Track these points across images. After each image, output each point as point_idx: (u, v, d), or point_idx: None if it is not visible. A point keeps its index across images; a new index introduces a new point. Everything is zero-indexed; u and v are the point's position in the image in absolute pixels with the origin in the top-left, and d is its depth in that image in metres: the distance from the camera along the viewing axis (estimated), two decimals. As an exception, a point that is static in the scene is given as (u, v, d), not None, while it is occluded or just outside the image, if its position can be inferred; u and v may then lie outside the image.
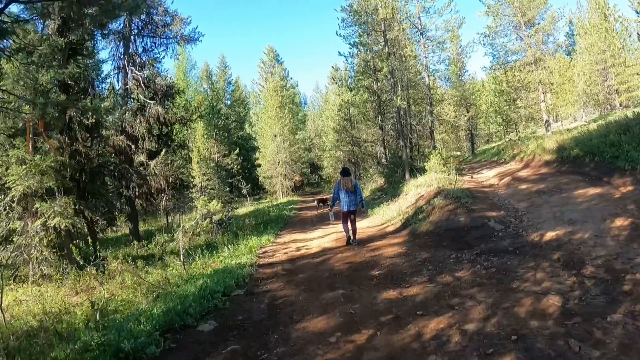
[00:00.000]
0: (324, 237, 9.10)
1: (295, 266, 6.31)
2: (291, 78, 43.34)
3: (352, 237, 7.47)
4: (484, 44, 23.44)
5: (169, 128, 17.95)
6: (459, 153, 33.57)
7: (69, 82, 11.08)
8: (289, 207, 20.54)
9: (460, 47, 26.65)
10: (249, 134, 40.24)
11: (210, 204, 7.21)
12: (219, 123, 22.66)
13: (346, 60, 19.36)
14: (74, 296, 7.96)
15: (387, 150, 19.19)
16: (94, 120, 9.87)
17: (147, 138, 16.76)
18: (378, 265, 5.61)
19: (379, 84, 19.32)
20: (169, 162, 15.42)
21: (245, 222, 14.02)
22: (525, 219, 7.75)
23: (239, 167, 26.71)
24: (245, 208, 26.24)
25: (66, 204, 10.04)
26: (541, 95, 23.30)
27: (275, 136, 30.55)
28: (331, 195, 8.58)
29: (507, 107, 24.43)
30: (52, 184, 9.62)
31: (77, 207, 10.59)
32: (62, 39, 11.07)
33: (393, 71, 14.48)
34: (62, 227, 9.64)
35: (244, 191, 29.81)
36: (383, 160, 18.98)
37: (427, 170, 14.87)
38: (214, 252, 8.67)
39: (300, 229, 11.25)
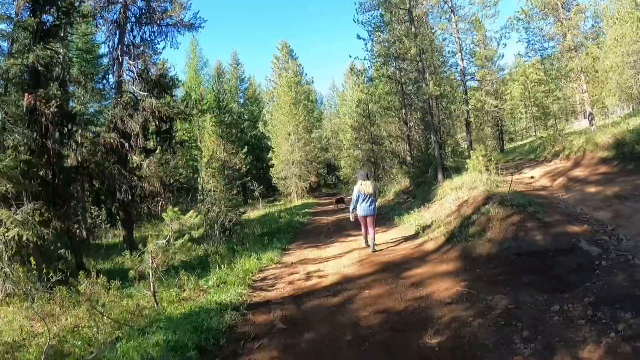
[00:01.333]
0: (342, 257, 7.02)
1: (301, 312, 4.27)
2: (306, 74, 41.45)
3: (373, 244, 7.20)
4: (517, 29, 20.88)
5: (168, 124, 16.24)
6: (483, 152, 30.79)
7: (39, 69, 9.38)
8: (303, 211, 18.53)
9: (496, 30, 24.08)
10: (263, 133, 38.52)
11: (186, 216, 5.17)
12: (226, 118, 20.78)
13: (365, 45, 17.22)
14: (39, 322, 6.23)
15: (412, 148, 16.94)
16: (55, 109, 8.06)
17: (141, 135, 15.04)
18: (431, 322, 3.50)
19: (402, 74, 17.11)
20: (164, 161, 13.62)
21: (250, 230, 12.09)
22: (622, 235, 5.54)
23: (247, 167, 24.88)
24: (257, 211, 24.45)
25: (33, 211, 8.29)
26: (583, 85, 20.58)
27: (289, 134, 28.62)
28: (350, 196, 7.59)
29: (545, 98, 21.73)
30: (10, 188, 7.89)
31: (47, 214, 8.85)
32: (33, 18, 9.40)
33: (421, 53, 12.26)
34: (24, 238, 7.92)
35: (256, 193, 28.04)
36: (408, 158, 16.75)
37: (461, 170, 12.61)
38: (205, 271, 6.77)
39: (314, 242, 9.19)
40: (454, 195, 9.71)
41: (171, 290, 5.91)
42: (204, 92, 39.58)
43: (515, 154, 23.86)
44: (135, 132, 15.17)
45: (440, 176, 12.30)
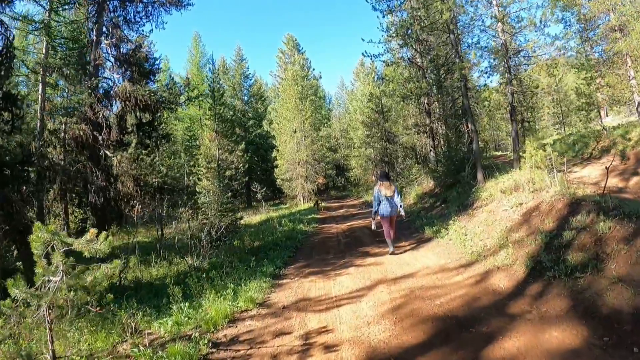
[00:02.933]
0: (362, 297, 4.49)
1: None
2: (313, 69, 39.01)
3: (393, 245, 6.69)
4: (554, 10, 18.10)
5: (151, 115, 13.91)
6: (498, 153, 28.04)
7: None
8: (309, 216, 16.02)
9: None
10: (268, 132, 36.17)
11: (78, 241, 2.62)
12: (222, 111, 18.37)
13: (381, 25, 14.72)
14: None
15: (436, 143, 14.36)
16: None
17: (115, 127, 12.72)
18: None
19: (423, 57, 14.55)
20: (137, 157, 11.30)
21: (241, 242, 9.62)
22: None
23: (246, 166, 22.48)
24: (259, 216, 22.07)
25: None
26: (630, 72, 17.73)
27: (295, 131, 26.17)
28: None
29: (586, 86, 18.89)
30: None
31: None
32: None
33: (454, 20, 9.72)
34: None
35: (259, 195, 25.60)
36: (431, 155, 14.15)
37: (498, 169, 10.02)
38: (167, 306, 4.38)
39: (319, 264, 6.65)
40: (509, 200, 7.12)
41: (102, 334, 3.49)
42: (191, 75, 37.52)
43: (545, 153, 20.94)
44: (107, 123, 12.87)
45: (480, 175, 9.70)
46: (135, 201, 12.42)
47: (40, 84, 13.89)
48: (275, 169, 28.80)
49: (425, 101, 14.56)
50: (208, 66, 29.05)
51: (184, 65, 40.66)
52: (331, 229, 11.56)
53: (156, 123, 14.65)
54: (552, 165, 7.06)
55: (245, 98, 40.35)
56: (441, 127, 14.23)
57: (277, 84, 37.21)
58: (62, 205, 15.43)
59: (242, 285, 5.30)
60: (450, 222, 8.17)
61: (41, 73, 13.60)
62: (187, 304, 4.77)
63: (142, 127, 14.28)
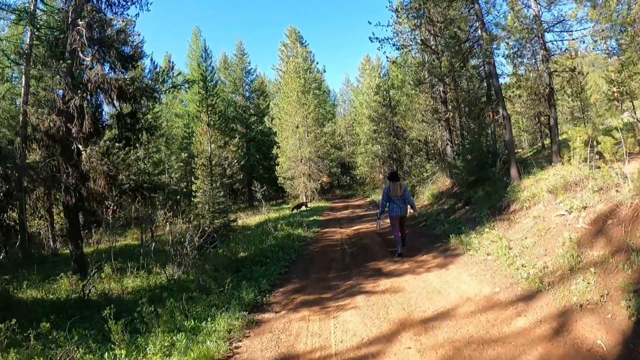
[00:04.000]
0: (380, 357, 2.86)
1: None
2: (317, 63, 37.40)
3: (401, 246, 6.41)
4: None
5: (132, 105, 12.41)
6: (521, 149, 26.14)
7: None
8: (311, 218, 14.44)
9: None
10: (270, 128, 34.67)
11: None
12: (213, 101, 16.79)
13: (390, 2, 13.15)
14: None
15: (454, 135, 12.70)
16: None
17: (88, 117, 11.16)
18: None
19: (438, 39, 12.89)
20: (106, 150, 9.81)
21: (227, 250, 8.06)
22: None
23: (240, 162, 20.97)
24: (258, 217, 20.58)
25: None
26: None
27: (297, 127, 24.57)
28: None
29: (618, 73, 17.01)
30: None
31: None
32: None
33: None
34: None
35: (259, 195, 24.09)
36: (448, 150, 12.47)
37: (529, 164, 8.39)
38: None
39: (316, 291, 5.03)
40: (563, 203, 5.48)
41: None
42: (191, 70, 36.28)
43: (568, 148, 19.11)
44: (80, 113, 11.34)
45: (514, 171, 8.04)
46: (109, 202, 10.93)
47: (23, 76, 12.50)
48: (277, 167, 27.25)
49: (441, 89, 12.88)
50: (208, 60, 27.57)
51: (184, 61, 39.22)
52: (334, 235, 9.96)
53: (140, 114, 13.18)
54: (614, 157, 5.40)
55: (247, 94, 38.91)
56: (459, 117, 12.57)
57: (280, 78, 35.65)
58: (46, 204, 14.07)
59: (207, 321, 3.75)
60: (483, 229, 6.55)
61: (24, 65, 12.35)
62: (123, 351, 3.27)
63: (122, 118, 12.82)
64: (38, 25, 12.98)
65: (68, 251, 12.74)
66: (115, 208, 11.27)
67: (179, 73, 12.31)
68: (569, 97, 14.19)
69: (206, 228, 11.75)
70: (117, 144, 10.52)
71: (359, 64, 42.45)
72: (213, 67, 14.47)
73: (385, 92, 23.14)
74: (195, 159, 20.46)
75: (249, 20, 77.94)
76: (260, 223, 16.74)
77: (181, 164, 26.13)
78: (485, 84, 10.59)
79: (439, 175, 12.96)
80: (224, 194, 14.48)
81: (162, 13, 64.92)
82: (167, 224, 9.49)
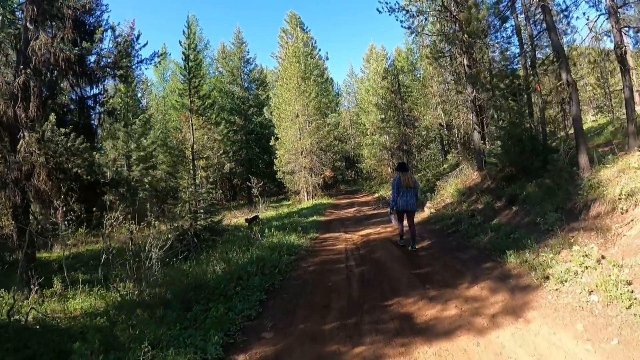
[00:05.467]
0: None
1: None
2: (319, 49, 34.97)
3: (410, 242, 6.17)
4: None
5: (92, 84, 10.31)
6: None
7: None
8: (310, 219, 12.28)
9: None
10: (270, 120, 32.49)
11: None
12: (197, 83, 14.54)
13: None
14: None
15: (482, 119, 10.44)
16: None
17: (34, 99, 9.11)
18: None
19: (458, 8, 10.59)
20: (45, 138, 7.74)
21: (193, 268, 5.90)
22: None
23: (229, 153, 18.77)
24: (252, 216, 18.43)
25: None
26: None
27: (297, 116, 22.33)
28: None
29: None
30: None
31: None
32: None
33: None
34: None
35: (255, 191, 21.93)
36: (476, 136, 10.18)
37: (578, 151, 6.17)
38: None
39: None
40: None
41: None
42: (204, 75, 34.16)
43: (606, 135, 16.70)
44: (23, 94, 9.23)
45: (584, 160, 5.80)
46: (57, 200, 8.80)
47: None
48: (276, 160, 25.02)
49: (465, 62, 10.59)
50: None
51: (178, 52, 37.08)
52: (337, 243, 7.77)
53: (106, 97, 11.10)
54: None
55: (246, 84, 36.74)
56: (488, 93, 10.29)
57: (279, 67, 33.37)
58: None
59: None
60: (558, 243, 4.34)
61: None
62: None
63: (83, 100, 10.72)
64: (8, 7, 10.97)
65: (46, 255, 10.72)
66: (65, 208, 9.17)
67: (147, 43, 10.13)
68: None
69: (188, 231, 9.70)
70: (62, 129, 8.36)
71: (364, 54, 40.07)
72: (196, 45, 12.64)
73: (393, 77, 20.80)
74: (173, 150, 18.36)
75: (249, 13, 75.30)
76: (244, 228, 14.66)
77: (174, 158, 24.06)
78: (529, 48, 8.30)
79: (464, 167, 10.71)
80: (208, 189, 12.27)
81: (159, 4, 62.55)
82: (125, 228, 7.36)
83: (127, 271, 5.83)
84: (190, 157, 13.14)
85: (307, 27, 35.57)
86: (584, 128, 7.93)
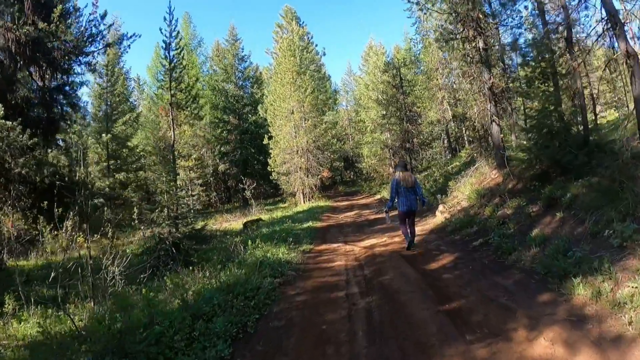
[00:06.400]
0: None
1: None
2: (316, 45, 33.58)
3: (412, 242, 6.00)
4: None
5: (54, 73, 8.94)
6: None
7: None
8: (305, 225, 10.89)
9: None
10: (265, 118, 31.15)
11: None
12: (176, 72, 12.99)
13: None
14: None
15: (499, 109, 9.05)
16: None
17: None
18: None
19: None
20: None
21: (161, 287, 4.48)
22: None
23: (213, 150, 17.33)
24: (245, 219, 17.16)
25: None
26: None
27: (292, 112, 20.92)
28: None
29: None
30: None
31: None
32: None
33: None
34: None
35: (247, 193, 20.52)
36: (494, 128, 8.80)
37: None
38: None
39: None
40: None
41: None
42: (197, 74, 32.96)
43: None
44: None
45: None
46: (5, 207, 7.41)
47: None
48: (270, 160, 23.57)
49: (480, 44, 9.21)
50: (199, 50, 23.86)
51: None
52: (335, 259, 6.35)
53: (75, 88, 9.71)
54: None
55: (240, 82, 35.39)
56: (503, 80, 8.92)
57: (274, 61, 31.98)
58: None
59: None
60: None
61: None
62: None
63: (46, 93, 9.32)
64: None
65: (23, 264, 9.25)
66: (13, 216, 7.77)
67: (111, 25, 8.74)
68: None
69: (166, 240, 8.37)
70: (8, 123, 6.95)
71: (362, 53, 38.73)
72: (179, 32, 11.35)
73: (395, 71, 19.42)
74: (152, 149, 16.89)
75: (246, 14, 74.05)
76: (240, 230, 13.30)
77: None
78: (563, 21, 6.92)
79: (480, 165, 9.33)
80: (188, 192, 10.88)
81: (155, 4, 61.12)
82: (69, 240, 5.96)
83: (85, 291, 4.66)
84: (169, 155, 11.79)
85: (303, 22, 34.25)
86: (603, 123, 6.57)
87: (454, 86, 13.58)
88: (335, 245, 7.51)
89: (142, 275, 6.16)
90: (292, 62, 21.39)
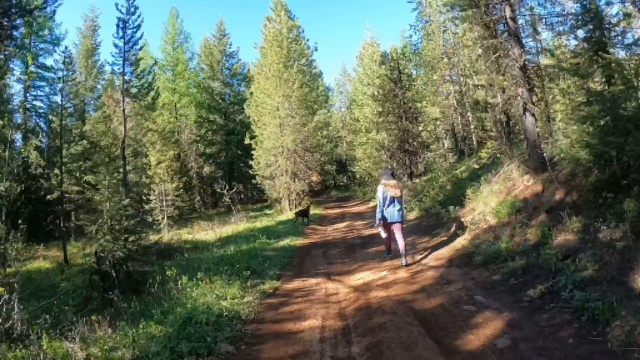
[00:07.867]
0: None
1: None
2: (308, 40, 31.33)
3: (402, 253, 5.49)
4: None
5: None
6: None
7: None
8: (282, 243, 8.66)
9: None
10: (251, 117, 28.93)
11: None
12: (132, 55, 10.59)
13: None
14: None
15: (541, 97, 6.92)
16: None
17: None
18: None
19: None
20: None
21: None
22: None
23: (178, 149, 15.16)
24: (227, 227, 15.06)
25: None
26: None
27: (277, 109, 18.68)
28: None
29: None
30: None
31: None
32: None
33: None
34: None
35: (227, 199, 18.19)
36: (528, 119, 6.63)
37: None
38: None
39: None
40: None
41: None
42: (164, 55, 30.89)
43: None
44: None
45: None
46: None
47: None
48: (253, 162, 21.23)
49: (507, 13, 7.09)
50: (186, 45, 21.69)
51: (158, 45, 33.46)
52: (307, 312, 4.05)
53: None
54: None
55: (227, 80, 33.27)
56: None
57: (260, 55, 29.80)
58: None
59: None
60: None
61: None
62: None
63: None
64: None
65: None
66: None
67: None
68: None
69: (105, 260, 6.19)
70: None
71: (357, 52, 36.66)
72: (137, 7, 9.48)
73: (394, 63, 17.28)
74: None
75: (240, 14, 71.99)
76: (226, 238, 11.15)
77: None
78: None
79: (509, 168, 7.15)
80: (132, 199, 8.58)
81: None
82: None
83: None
84: (118, 153, 9.54)
85: (294, 16, 32.01)
86: None
87: (461, 79, 11.43)
88: (313, 280, 5.25)
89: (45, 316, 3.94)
90: (278, 53, 19.21)
